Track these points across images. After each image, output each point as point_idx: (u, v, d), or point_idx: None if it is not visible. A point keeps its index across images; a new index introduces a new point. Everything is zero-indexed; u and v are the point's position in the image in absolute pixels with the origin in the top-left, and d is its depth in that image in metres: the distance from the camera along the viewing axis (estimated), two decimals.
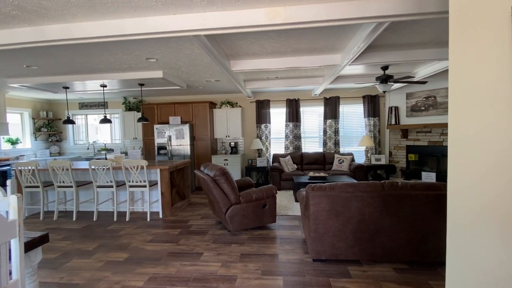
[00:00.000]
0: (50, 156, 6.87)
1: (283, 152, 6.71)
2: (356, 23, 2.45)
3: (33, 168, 4.21)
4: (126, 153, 6.73)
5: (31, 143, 6.68)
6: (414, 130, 5.93)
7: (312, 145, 6.81)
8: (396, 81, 4.25)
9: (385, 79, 4.23)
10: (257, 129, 6.70)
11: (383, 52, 3.68)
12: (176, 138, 6.12)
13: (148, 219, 4.13)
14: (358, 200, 2.48)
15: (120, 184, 4.26)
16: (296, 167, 6.19)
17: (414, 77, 4.86)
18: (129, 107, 6.86)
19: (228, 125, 6.54)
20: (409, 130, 6.01)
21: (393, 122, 6.16)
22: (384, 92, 4.54)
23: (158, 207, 4.46)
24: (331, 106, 6.48)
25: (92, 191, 4.68)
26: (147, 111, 6.50)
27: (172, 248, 3.08)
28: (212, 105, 6.59)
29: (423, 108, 5.66)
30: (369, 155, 6.38)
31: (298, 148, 6.63)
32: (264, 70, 4.10)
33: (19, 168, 4.23)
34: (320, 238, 2.56)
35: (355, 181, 2.72)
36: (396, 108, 6.14)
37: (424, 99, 5.64)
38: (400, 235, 2.48)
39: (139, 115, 6.64)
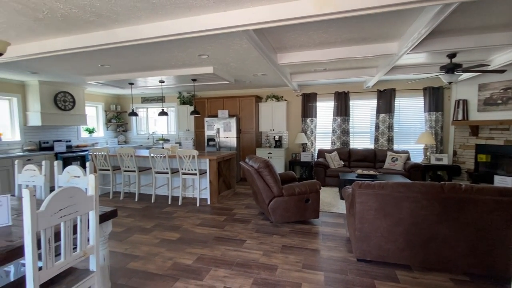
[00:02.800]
0: (118, 144, 7.86)
1: (329, 148, 6.49)
2: (417, 7, 2.21)
3: (105, 154, 4.90)
4: (180, 143, 7.33)
5: (103, 132, 7.74)
6: (487, 127, 5.13)
7: (361, 141, 6.43)
8: (465, 71, 3.73)
9: (451, 68, 3.74)
10: (302, 123, 6.59)
11: (450, 38, 3.25)
12: (224, 131, 6.41)
13: (198, 205, 4.46)
14: (411, 201, 2.29)
15: (174, 171, 4.68)
16: (342, 163, 5.94)
17: (488, 65, 4.18)
18: (183, 101, 7.40)
19: (273, 118, 6.58)
20: (481, 127, 5.22)
21: (460, 117, 5.42)
22: (450, 83, 4.00)
23: (206, 194, 4.78)
24: (385, 99, 5.99)
25: (151, 176, 5.24)
26: (198, 105, 6.93)
27: (218, 233, 3.29)
28: (258, 99, 6.70)
29: (500, 101, 4.85)
30: (428, 153, 5.75)
31: (345, 143, 6.33)
32: (312, 62, 4.00)
33: (95, 153, 4.97)
34: (366, 238, 2.45)
35: (410, 181, 2.51)
36: (465, 102, 5.38)
37: (501, 91, 4.82)
38: (460, 243, 2.22)
39: (192, 108, 7.12)
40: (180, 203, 4.56)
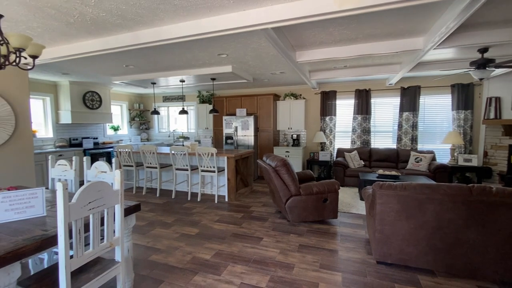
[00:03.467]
0: (141, 141, 8.18)
1: (349, 147, 6.34)
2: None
3: (128, 150, 5.12)
4: (199, 141, 7.49)
5: (127, 130, 8.08)
6: None
7: (383, 140, 6.22)
8: (498, 66, 3.48)
9: (483, 63, 3.52)
10: (321, 122, 6.49)
11: (481, 31, 3.05)
12: (242, 129, 6.46)
13: (216, 201, 4.54)
14: (436, 203, 2.19)
15: (193, 168, 4.80)
16: (363, 163, 5.78)
17: None
18: (202, 100, 7.55)
19: (291, 117, 6.54)
20: None
21: (492, 116, 5.08)
22: (481, 79, 3.76)
23: (224, 191, 4.85)
24: (409, 97, 5.74)
25: (172, 172, 5.41)
26: (217, 103, 7.04)
27: (235, 230, 3.34)
28: (276, 97, 6.68)
29: None
30: (456, 154, 5.45)
31: (366, 143, 6.16)
32: (332, 60, 3.92)
33: (119, 150, 5.20)
34: (386, 240, 2.38)
35: (434, 182, 2.40)
36: (498, 99, 5.03)
37: None
38: (489, 249, 2.10)
39: (211, 107, 7.25)
40: (199, 199, 4.67)
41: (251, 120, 6.34)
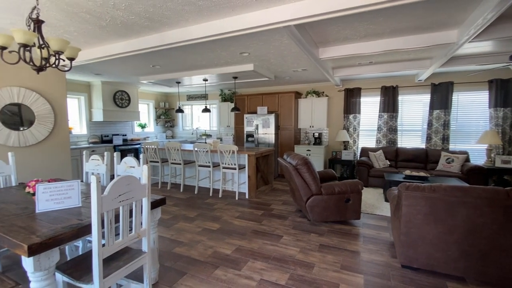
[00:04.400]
0: (166, 138, 8.49)
1: (374, 146, 6.12)
2: None
3: (154, 147, 5.35)
4: (221, 139, 7.62)
5: (153, 127, 8.43)
6: None
7: (410, 139, 5.92)
8: None
9: None
10: (344, 120, 6.32)
11: None
12: (263, 127, 6.48)
13: (237, 198, 4.61)
14: (468, 207, 2.06)
15: (215, 165, 4.91)
16: (388, 163, 5.55)
17: None
18: (224, 98, 7.67)
19: (313, 115, 6.43)
20: None
21: None
22: None
23: (245, 189, 4.91)
24: (441, 94, 5.41)
25: (195, 169, 5.57)
26: (239, 101, 7.11)
27: (255, 227, 3.37)
28: (298, 95, 6.60)
29: None
30: (492, 155, 5.06)
31: (392, 142, 5.90)
32: (357, 55, 3.81)
33: (146, 146, 5.45)
34: (412, 244, 2.28)
35: (467, 185, 2.26)
36: None
37: None
38: None
39: (232, 105, 7.34)
40: (220, 196, 4.77)
41: (272, 118, 6.33)
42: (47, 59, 2.10)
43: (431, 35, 3.23)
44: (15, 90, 3.66)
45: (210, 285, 2.18)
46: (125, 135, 7.18)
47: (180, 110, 6.23)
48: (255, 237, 3.07)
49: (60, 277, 1.66)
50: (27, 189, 1.97)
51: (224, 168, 4.73)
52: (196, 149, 4.89)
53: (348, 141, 6.30)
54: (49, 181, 2.05)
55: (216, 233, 3.20)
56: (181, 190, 5.19)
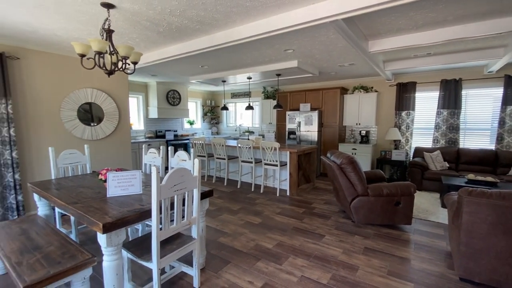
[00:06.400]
0: (211, 134, 8.94)
1: (430, 146, 5.57)
2: None
3: (202, 142, 5.69)
4: (263, 136, 7.74)
5: (200, 124, 8.94)
6: None
7: (476, 139, 5.22)
8: None
9: None
10: (395, 117, 5.87)
11: None
12: (305, 124, 6.38)
13: (278, 194, 4.66)
14: None
15: (257, 161, 5.02)
16: (447, 165, 5.00)
17: None
18: (267, 96, 7.74)
19: (360, 111, 6.11)
20: None
21: None
22: None
23: (286, 186, 4.93)
24: None
25: (238, 164, 5.77)
26: (281, 98, 7.11)
27: (296, 224, 3.38)
28: (344, 90, 6.33)
29: None
30: None
31: (453, 142, 5.29)
32: (412, 47, 3.50)
33: (194, 142, 5.83)
34: (474, 256, 2.05)
35: None
36: None
37: None
38: None
39: (275, 102, 7.38)
40: (261, 191, 4.87)
41: (315, 115, 6.20)
42: (115, 64, 2.40)
43: (506, 20, 2.80)
44: (89, 91, 4.25)
45: (252, 275, 2.27)
46: (176, 130, 7.76)
47: (225, 108, 6.49)
48: (296, 234, 3.08)
49: (125, 254, 1.91)
50: (100, 176, 2.30)
51: (265, 164, 4.81)
52: (239, 145, 5.07)
53: (399, 140, 5.84)
54: (116, 170, 2.35)
55: (258, 227, 3.29)
56: (225, 184, 5.43)
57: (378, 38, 3.49)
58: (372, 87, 6.18)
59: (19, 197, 3.48)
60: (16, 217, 3.48)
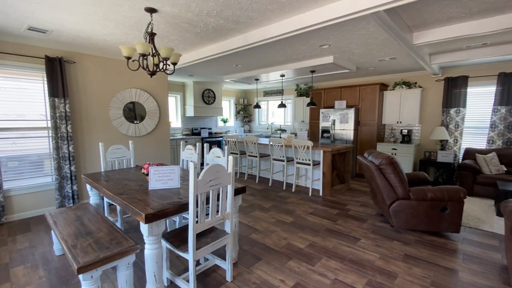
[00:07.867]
0: (244, 132, 9.07)
1: (484, 147, 5.00)
2: None
3: (235, 140, 5.80)
4: (295, 134, 7.64)
5: (233, 122, 9.12)
6: None
7: None
8: None
9: None
10: (443, 115, 5.37)
11: None
12: (340, 122, 6.15)
13: (310, 194, 4.57)
14: None
15: (289, 160, 4.97)
16: (505, 169, 4.45)
17: None
18: (300, 93, 7.61)
19: (402, 109, 5.70)
20: None
21: None
22: None
23: (318, 185, 4.81)
24: None
25: (269, 162, 5.78)
26: (315, 96, 6.94)
27: (329, 225, 3.29)
28: (383, 86, 5.96)
29: None
30: None
31: None
32: (465, 37, 3.16)
33: (227, 139, 5.97)
34: None
35: None
36: None
37: None
38: None
39: (308, 100, 7.23)
40: (293, 190, 4.82)
41: (351, 112, 5.94)
42: (157, 65, 2.55)
43: None
44: (133, 91, 4.58)
45: (284, 274, 2.26)
46: (210, 128, 8.02)
47: (257, 106, 6.53)
48: (330, 236, 2.99)
49: (164, 244, 2.03)
50: (142, 170, 2.47)
51: (298, 163, 4.75)
52: (271, 143, 5.06)
53: (446, 140, 5.34)
54: (157, 165, 2.51)
55: (289, 226, 3.27)
56: (257, 181, 5.48)
57: (424, 29, 3.22)
58: (415, 83, 5.73)
59: (74, 187, 3.89)
60: (72, 204, 3.90)
